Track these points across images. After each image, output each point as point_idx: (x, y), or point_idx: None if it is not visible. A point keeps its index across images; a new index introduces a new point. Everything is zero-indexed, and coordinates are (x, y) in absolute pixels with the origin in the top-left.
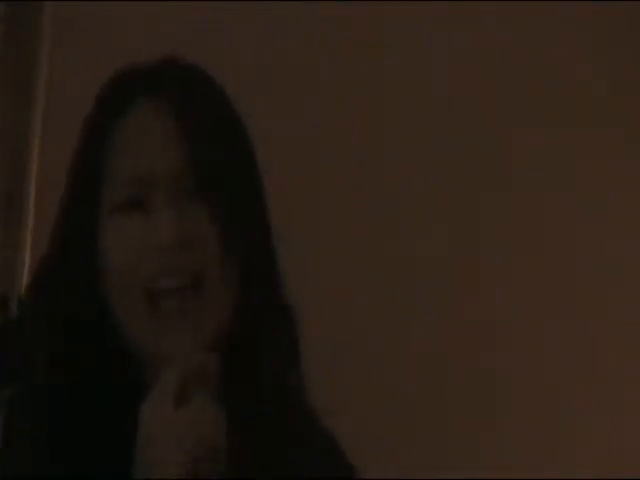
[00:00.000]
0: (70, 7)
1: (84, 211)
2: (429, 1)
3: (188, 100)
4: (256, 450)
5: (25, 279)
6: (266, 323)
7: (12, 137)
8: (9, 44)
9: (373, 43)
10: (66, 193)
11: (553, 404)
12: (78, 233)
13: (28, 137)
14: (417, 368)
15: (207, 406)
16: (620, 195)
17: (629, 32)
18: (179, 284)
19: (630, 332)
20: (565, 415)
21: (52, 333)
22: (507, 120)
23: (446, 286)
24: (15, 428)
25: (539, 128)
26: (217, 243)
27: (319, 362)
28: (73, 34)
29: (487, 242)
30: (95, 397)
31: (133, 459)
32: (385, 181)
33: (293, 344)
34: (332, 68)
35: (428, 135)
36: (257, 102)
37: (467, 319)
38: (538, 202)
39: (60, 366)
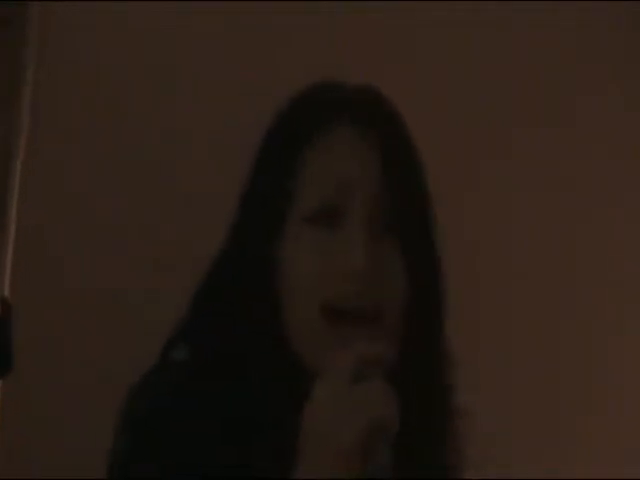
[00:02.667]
0: (55, 8)
1: (272, 212)
2: None
3: (391, 134)
4: (419, 442)
5: (8, 280)
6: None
7: None
8: None
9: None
10: (253, 188)
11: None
12: (261, 232)
13: (13, 139)
14: None
15: (382, 388)
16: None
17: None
18: (359, 311)
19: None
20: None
21: (220, 331)
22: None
23: None
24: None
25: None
26: (403, 277)
27: None
28: (59, 35)
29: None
30: (255, 401)
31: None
32: None
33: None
34: None
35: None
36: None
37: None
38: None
39: (224, 364)
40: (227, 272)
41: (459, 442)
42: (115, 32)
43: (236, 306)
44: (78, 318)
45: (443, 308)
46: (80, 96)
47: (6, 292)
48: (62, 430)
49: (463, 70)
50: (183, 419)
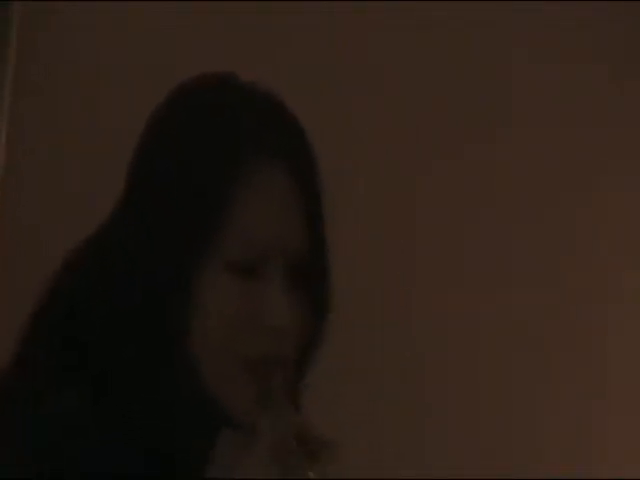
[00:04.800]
0: (38, 7)
1: (190, 256)
2: None
3: (309, 173)
4: None
5: None
6: None
7: None
8: None
9: None
10: (168, 226)
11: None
12: (176, 276)
13: None
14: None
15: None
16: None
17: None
18: (275, 353)
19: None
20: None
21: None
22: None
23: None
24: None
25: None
26: (310, 333)
27: None
28: (41, 34)
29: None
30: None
31: None
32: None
33: None
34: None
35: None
36: None
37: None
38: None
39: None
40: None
41: None
42: (98, 31)
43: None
44: None
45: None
46: (61, 94)
47: None
48: None
49: (458, 69)
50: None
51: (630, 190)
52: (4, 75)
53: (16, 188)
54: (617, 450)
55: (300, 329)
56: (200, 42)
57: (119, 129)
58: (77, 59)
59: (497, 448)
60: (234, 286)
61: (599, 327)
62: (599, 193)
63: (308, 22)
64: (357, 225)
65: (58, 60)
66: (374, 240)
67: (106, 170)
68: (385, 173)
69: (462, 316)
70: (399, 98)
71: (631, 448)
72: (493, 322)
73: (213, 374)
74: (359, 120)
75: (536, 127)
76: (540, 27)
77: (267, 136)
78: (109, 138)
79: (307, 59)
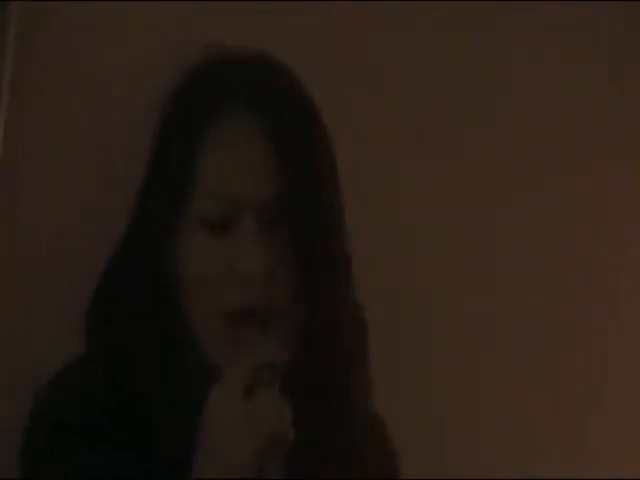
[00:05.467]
0: (37, 7)
1: (165, 213)
2: None
3: (287, 123)
4: (318, 444)
5: None
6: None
7: None
8: None
9: None
10: (146, 188)
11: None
12: (155, 232)
13: None
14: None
15: (276, 401)
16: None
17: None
18: (257, 313)
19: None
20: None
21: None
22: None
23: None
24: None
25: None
26: (294, 277)
27: None
28: (40, 34)
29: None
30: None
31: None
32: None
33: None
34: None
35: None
36: None
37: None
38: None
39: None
40: (125, 271)
41: (359, 434)
42: (97, 31)
43: (135, 309)
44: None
45: (338, 305)
46: (60, 94)
47: None
48: None
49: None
50: (88, 422)
51: (630, 190)
52: (2, 74)
53: (14, 188)
54: (617, 450)
55: (281, 279)
56: (200, 42)
57: (119, 129)
58: (77, 59)
59: (497, 448)
60: (209, 241)
61: (599, 327)
62: (599, 193)
63: (308, 22)
64: (357, 225)
65: (57, 60)
66: (374, 240)
67: (106, 169)
68: (385, 173)
69: (462, 316)
70: (399, 98)
71: (631, 448)
72: (493, 322)
73: (194, 321)
74: (359, 120)
75: (536, 127)
76: (540, 27)
77: (248, 92)
78: (109, 138)
79: (307, 59)
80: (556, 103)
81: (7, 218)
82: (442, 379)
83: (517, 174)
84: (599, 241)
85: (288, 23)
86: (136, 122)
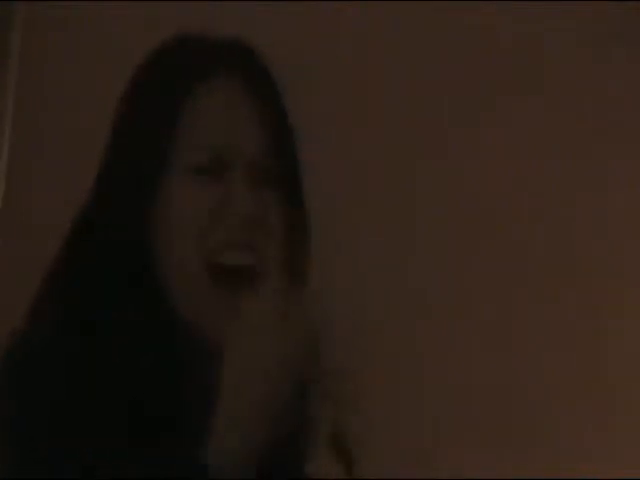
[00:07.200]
0: (41, 7)
1: (148, 164)
2: None
3: (267, 84)
4: None
5: None
6: None
7: None
8: None
9: None
10: (129, 142)
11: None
12: (137, 183)
13: None
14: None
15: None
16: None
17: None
18: (244, 262)
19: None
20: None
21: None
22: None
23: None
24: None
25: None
26: (283, 228)
27: None
28: (43, 34)
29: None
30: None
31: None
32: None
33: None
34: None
35: None
36: None
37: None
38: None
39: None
40: (98, 221)
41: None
42: (99, 31)
43: (108, 259)
44: None
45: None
46: (64, 93)
47: None
48: None
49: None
50: (57, 377)
51: (631, 190)
52: (7, 74)
53: (20, 188)
54: (617, 450)
55: (271, 226)
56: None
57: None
58: (79, 58)
59: (497, 448)
60: (197, 192)
61: (599, 327)
62: (599, 193)
63: (308, 22)
64: (357, 225)
65: (60, 59)
66: (374, 240)
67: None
68: (385, 173)
69: (461, 316)
70: (399, 97)
71: (631, 448)
72: (492, 321)
73: (181, 292)
74: (359, 120)
75: (536, 127)
76: (541, 27)
77: (225, 53)
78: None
79: (307, 58)
80: (556, 103)
81: (14, 218)
82: (440, 378)
83: (517, 174)
84: (599, 241)
85: (288, 23)
86: None
